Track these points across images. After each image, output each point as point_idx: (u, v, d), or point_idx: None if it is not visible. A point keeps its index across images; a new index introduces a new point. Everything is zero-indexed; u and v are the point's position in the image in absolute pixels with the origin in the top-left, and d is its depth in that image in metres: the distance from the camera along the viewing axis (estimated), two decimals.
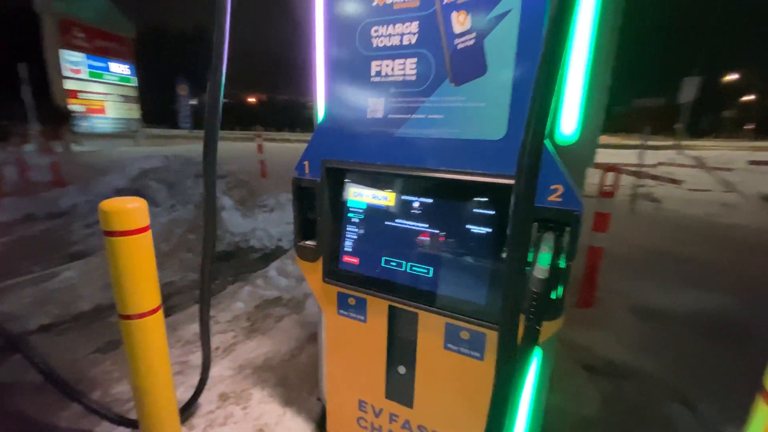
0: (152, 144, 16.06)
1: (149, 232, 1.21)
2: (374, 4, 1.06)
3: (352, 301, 1.33)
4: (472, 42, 0.96)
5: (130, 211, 1.13)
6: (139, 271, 1.18)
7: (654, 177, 8.70)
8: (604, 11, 0.92)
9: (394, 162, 1.15)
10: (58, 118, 11.94)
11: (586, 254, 2.85)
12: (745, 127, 40.64)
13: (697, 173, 11.01)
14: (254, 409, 1.86)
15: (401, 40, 1.05)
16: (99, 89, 14.13)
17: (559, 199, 0.93)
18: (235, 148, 16.03)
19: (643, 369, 2.16)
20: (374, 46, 1.10)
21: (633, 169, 7.38)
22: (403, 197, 1.20)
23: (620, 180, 6.49)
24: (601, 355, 2.28)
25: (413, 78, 1.06)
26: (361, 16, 1.09)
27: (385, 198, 1.23)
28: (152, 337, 1.25)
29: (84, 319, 2.75)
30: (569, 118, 0.97)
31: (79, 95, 13.41)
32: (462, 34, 0.97)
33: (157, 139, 19.11)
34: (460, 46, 0.98)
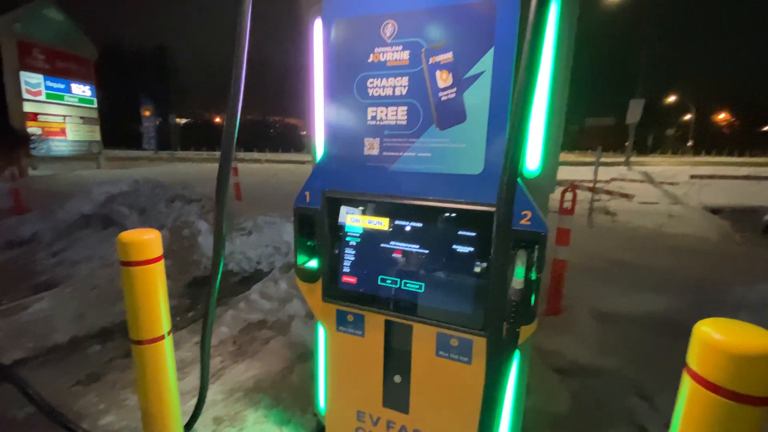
0: (115, 166, 15.49)
1: (162, 261, 1.30)
2: (370, 60, 1.25)
3: (350, 318, 1.46)
4: (453, 95, 1.16)
5: (146, 242, 1.23)
6: (153, 298, 1.26)
7: (608, 192, 9.40)
8: (559, 67, 1.15)
9: (388, 192, 1.32)
10: (16, 142, 11.34)
11: (551, 266, 3.12)
12: (688, 144, 44.53)
13: (646, 187, 11.96)
14: (250, 430, 1.91)
15: (394, 91, 1.24)
16: (59, 111, 13.56)
17: (528, 223, 1.13)
18: (205, 169, 15.77)
19: (606, 368, 2.40)
20: (370, 95, 1.28)
21: (589, 185, 7.98)
22: (397, 222, 1.36)
23: (578, 195, 7.02)
24: (570, 358, 2.50)
25: (404, 122, 1.25)
26: (359, 70, 1.28)
27: (380, 223, 1.39)
28: (163, 361, 1.32)
29: (61, 352, 2.68)
30: (533, 156, 1.18)
31: (39, 117, 12.82)
32: (445, 89, 1.17)
33: (119, 161, 18.43)
34: (443, 98, 1.18)
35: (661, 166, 19.44)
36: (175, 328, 3.01)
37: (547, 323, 2.95)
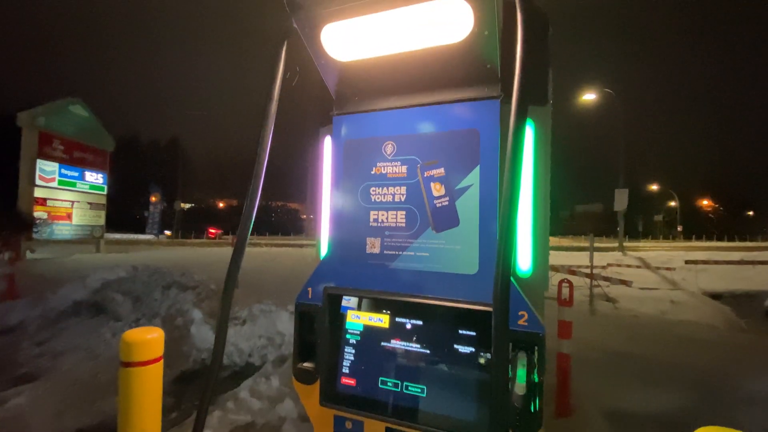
0: (114, 250, 15.54)
1: (162, 361, 1.29)
2: (372, 172, 1.42)
3: (349, 425, 1.39)
4: (447, 203, 1.29)
5: (149, 342, 1.24)
6: (149, 400, 1.23)
7: (606, 278, 9.40)
8: (539, 176, 1.30)
9: (389, 288, 1.37)
10: (19, 226, 11.56)
11: (556, 361, 3.01)
12: (678, 229, 45.78)
13: (643, 273, 11.97)
14: None
15: (393, 198, 1.38)
16: (68, 197, 14.09)
17: (526, 324, 1.17)
18: (205, 253, 15.81)
19: None
20: (372, 200, 1.42)
21: (586, 270, 8.02)
22: (397, 319, 1.39)
23: (576, 282, 7.01)
24: None
25: (403, 225, 1.36)
26: (363, 180, 1.44)
27: (380, 320, 1.42)
28: None
29: None
30: (524, 258, 1.27)
31: (48, 202, 13.26)
32: (439, 197, 1.31)
33: (119, 245, 18.53)
34: (438, 205, 1.31)
35: (654, 251, 19.71)
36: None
37: (558, 427, 2.75)
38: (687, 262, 14.27)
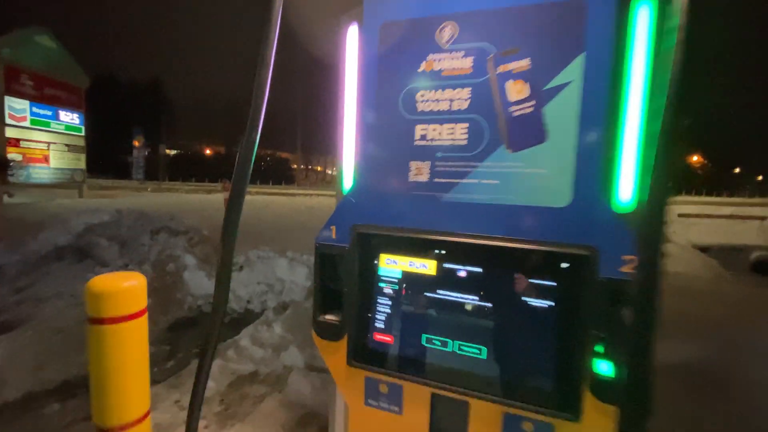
0: (98, 195, 14.95)
1: (146, 316, 0.99)
2: (420, 70, 1.03)
3: (384, 389, 1.14)
4: (530, 110, 0.94)
5: (125, 291, 0.92)
6: (130, 368, 0.94)
7: None
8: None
9: (440, 227, 1.06)
10: None
11: None
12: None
13: None
14: None
15: (450, 106, 1.02)
16: (43, 137, 13.19)
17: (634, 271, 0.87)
18: (193, 200, 15.35)
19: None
20: (419, 110, 1.05)
21: None
22: (448, 265, 1.09)
23: None
24: None
25: (464, 142, 1.01)
26: (405, 82, 1.06)
27: (425, 266, 1.12)
28: None
29: (9, 412, 2.24)
30: (626, 185, 0.95)
31: (21, 143, 12.40)
32: (519, 102, 0.95)
33: (103, 190, 17.87)
34: (516, 114, 0.95)
35: None
36: (152, 382, 2.58)
37: None
38: (680, 215, 14.42)
